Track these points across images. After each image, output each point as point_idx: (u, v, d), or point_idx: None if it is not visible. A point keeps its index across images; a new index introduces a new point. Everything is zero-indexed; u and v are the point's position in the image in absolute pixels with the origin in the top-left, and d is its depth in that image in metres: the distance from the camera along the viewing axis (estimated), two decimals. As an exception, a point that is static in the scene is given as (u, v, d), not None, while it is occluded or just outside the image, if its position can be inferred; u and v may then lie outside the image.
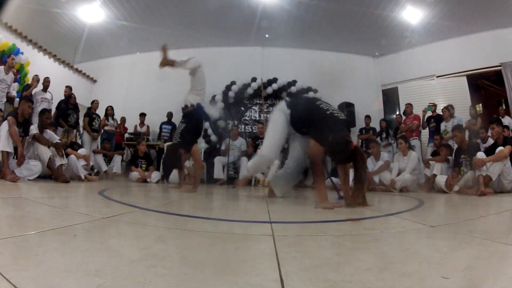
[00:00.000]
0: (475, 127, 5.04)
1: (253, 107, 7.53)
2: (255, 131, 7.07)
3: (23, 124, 3.47)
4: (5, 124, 3.20)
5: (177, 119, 7.06)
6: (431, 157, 4.77)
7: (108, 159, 5.45)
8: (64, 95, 5.76)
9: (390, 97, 7.66)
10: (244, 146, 5.93)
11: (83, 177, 4.04)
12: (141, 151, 5.42)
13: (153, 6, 6.25)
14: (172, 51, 7.41)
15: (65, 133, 4.53)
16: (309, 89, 6.89)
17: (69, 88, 5.87)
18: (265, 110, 7.17)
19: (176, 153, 3.24)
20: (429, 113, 5.89)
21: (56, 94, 5.76)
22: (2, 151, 3.09)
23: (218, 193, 3.57)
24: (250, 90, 7.19)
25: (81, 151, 4.37)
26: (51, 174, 3.55)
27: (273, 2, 6.17)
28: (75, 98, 5.63)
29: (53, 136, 3.85)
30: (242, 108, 7.51)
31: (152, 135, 7.19)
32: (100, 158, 5.16)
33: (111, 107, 6.30)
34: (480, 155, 3.44)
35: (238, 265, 0.74)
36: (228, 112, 7.25)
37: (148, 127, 7.07)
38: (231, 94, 7.14)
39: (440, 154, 4.42)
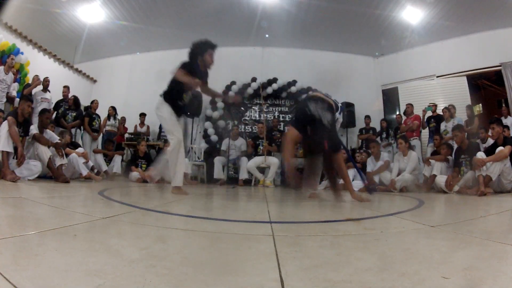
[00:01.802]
0: (471, 129, 5.04)
1: (253, 107, 7.53)
2: (255, 131, 7.07)
3: (23, 124, 3.47)
4: (5, 124, 3.20)
5: (177, 119, 7.09)
6: (431, 156, 4.76)
7: (108, 159, 5.46)
8: (63, 95, 5.77)
9: (390, 97, 7.66)
10: (244, 146, 5.93)
11: (84, 174, 4.03)
12: (141, 151, 5.42)
13: (153, 6, 6.25)
14: (172, 51, 7.49)
15: (61, 134, 4.53)
16: (309, 89, 6.89)
17: (67, 88, 5.87)
18: (265, 110, 7.17)
19: None
20: (429, 113, 5.88)
21: (57, 94, 5.76)
22: (2, 151, 3.09)
23: (218, 193, 3.57)
24: (250, 90, 7.19)
25: (79, 150, 4.37)
26: (51, 174, 3.55)
27: (273, 2, 6.17)
28: (74, 99, 5.64)
29: (53, 136, 3.85)
30: (242, 108, 7.52)
31: (152, 135, 7.19)
32: (100, 158, 5.16)
33: (113, 107, 6.30)
34: (480, 155, 3.44)
35: (238, 265, 0.74)
36: (228, 112, 7.25)
37: (148, 127, 7.07)
38: (231, 94, 7.14)
39: (440, 153, 4.42)
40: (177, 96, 2.79)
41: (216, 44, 2.92)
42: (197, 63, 2.85)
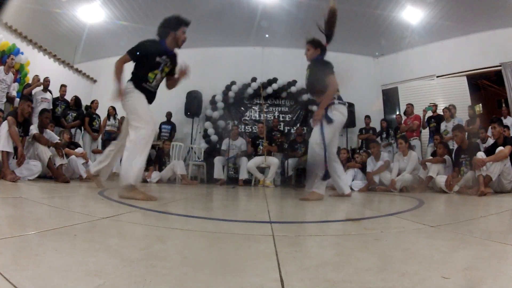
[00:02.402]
0: (472, 129, 5.04)
1: (253, 107, 7.53)
2: (255, 131, 7.07)
3: (23, 124, 3.47)
4: (5, 124, 3.21)
5: (176, 119, 7.09)
6: (428, 158, 4.76)
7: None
8: (60, 93, 5.77)
9: (390, 97, 7.66)
10: (244, 146, 5.93)
11: (84, 176, 4.03)
12: (141, 151, 5.41)
13: (153, 6, 6.25)
14: (172, 51, 7.45)
15: (60, 133, 4.52)
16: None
17: (65, 87, 5.87)
18: (265, 110, 7.17)
19: None
20: (429, 113, 5.89)
21: (57, 94, 5.76)
22: (2, 151, 3.09)
23: (218, 193, 3.56)
24: (250, 90, 7.19)
25: (78, 150, 4.38)
26: (51, 174, 3.55)
27: (273, 2, 6.17)
28: (75, 99, 5.64)
29: (53, 136, 3.85)
30: (242, 108, 7.52)
31: (152, 135, 7.18)
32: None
33: (113, 107, 6.30)
34: (480, 155, 3.43)
35: (238, 265, 0.74)
36: (228, 112, 7.25)
37: (148, 127, 7.06)
38: (231, 94, 7.14)
39: (437, 153, 4.42)
40: (143, 78, 2.48)
41: (190, 21, 2.62)
42: (164, 40, 2.55)
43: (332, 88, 2.79)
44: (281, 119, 7.36)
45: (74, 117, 5.57)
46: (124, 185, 2.13)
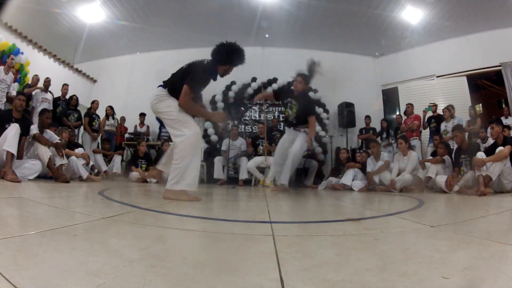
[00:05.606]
0: (473, 129, 5.04)
1: (253, 107, 7.53)
2: (255, 131, 7.07)
3: (21, 121, 3.44)
4: (13, 126, 3.22)
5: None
6: (428, 158, 4.76)
7: (108, 159, 5.46)
8: (62, 93, 5.76)
9: (390, 97, 7.66)
10: (244, 146, 5.93)
11: (84, 177, 4.04)
12: (141, 151, 5.42)
13: (153, 6, 6.25)
14: (172, 51, 7.47)
15: (59, 132, 4.51)
16: (309, 89, 6.88)
17: (67, 86, 5.86)
18: (265, 110, 7.17)
19: None
20: (429, 113, 5.89)
21: (57, 94, 5.76)
22: (7, 151, 3.09)
23: (218, 193, 3.56)
24: (250, 90, 7.19)
25: (78, 151, 4.37)
26: (51, 174, 3.55)
27: (273, 2, 6.17)
28: (76, 98, 5.65)
29: (53, 136, 3.85)
30: (242, 108, 7.51)
31: (152, 135, 7.19)
32: (100, 158, 5.16)
33: (111, 107, 6.30)
34: (480, 155, 3.43)
35: (238, 265, 0.74)
36: (228, 112, 7.24)
37: (148, 127, 7.08)
38: (231, 94, 7.14)
39: (437, 153, 4.41)
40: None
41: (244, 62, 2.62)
42: (217, 67, 2.41)
43: (312, 129, 3.69)
44: (281, 119, 7.36)
45: (76, 117, 5.57)
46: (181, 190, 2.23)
